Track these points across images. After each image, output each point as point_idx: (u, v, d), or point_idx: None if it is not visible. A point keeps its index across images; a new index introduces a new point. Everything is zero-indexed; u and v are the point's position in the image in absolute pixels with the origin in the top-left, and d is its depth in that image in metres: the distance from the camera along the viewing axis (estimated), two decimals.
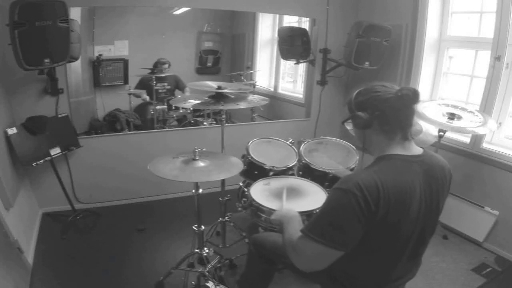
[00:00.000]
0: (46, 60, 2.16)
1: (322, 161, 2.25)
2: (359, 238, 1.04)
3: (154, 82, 3.46)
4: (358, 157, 2.29)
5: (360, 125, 1.13)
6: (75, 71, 3.13)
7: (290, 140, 2.46)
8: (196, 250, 2.04)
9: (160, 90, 3.69)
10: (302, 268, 1.13)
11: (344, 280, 1.25)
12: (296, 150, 2.38)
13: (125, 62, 3.62)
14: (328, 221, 1.04)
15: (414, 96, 1.05)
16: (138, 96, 3.63)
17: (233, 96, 2.22)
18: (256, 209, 1.86)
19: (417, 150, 1.14)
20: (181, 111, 3.68)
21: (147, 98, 3.58)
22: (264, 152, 2.31)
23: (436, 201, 1.14)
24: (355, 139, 1.23)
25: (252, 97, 2.27)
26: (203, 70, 4.09)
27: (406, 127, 1.11)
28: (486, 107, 2.53)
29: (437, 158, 1.18)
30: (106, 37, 3.47)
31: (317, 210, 1.78)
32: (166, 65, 3.65)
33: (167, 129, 3.54)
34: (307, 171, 2.25)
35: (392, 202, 1.02)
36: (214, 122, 3.65)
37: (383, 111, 1.07)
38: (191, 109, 3.68)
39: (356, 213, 1.00)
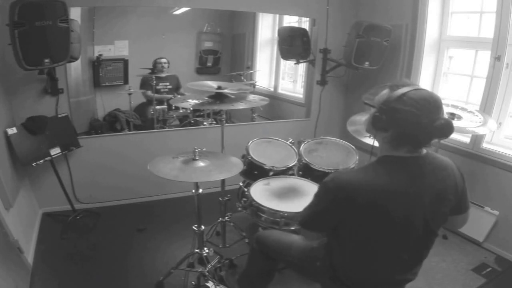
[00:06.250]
0: (46, 60, 2.16)
1: (322, 161, 2.25)
2: (331, 226, 1.19)
3: (155, 82, 3.46)
4: (358, 157, 2.29)
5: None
6: (75, 71, 3.13)
7: (290, 140, 2.46)
8: (196, 250, 2.04)
9: (162, 90, 3.69)
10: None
11: (345, 279, 1.25)
12: (296, 150, 2.38)
13: (125, 62, 3.62)
14: (312, 207, 1.22)
15: (447, 132, 1.02)
16: (148, 96, 3.62)
17: (233, 96, 2.22)
18: (256, 209, 1.87)
19: (419, 151, 1.13)
20: (181, 111, 3.68)
21: (149, 92, 3.56)
22: (264, 152, 2.32)
23: (438, 201, 1.12)
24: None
25: (252, 97, 2.27)
26: (203, 70, 4.09)
27: (419, 146, 1.09)
28: (486, 107, 2.53)
29: (439, 159, 1.16)
30: (106, 37, 3.47)
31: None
32: (164, 59, 3.64)
33: (167, 129, 3.54)
34: (307, 171, 2.25)
35: (371, 201, 1.05)
36: (214, 122, 3.65)
37: (407, 131, 1.04)
38: (191, 109, 3.69)
39: (327, 206, 1.14)
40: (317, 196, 1.19)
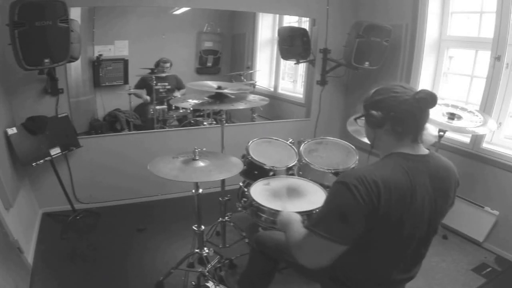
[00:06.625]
0: (46, 60, 2.16)
1: (322, 161, 2.25)
2: (361, 231, 1.03)
3: (155, 82, 3.46)
4: (357, 157, 2.29)
5: (373, 124, 1.13)
6: (75, 71, 3.13)
7: (290, 140, 2.46)
8: (196, 250, 2.04)
9: (160, 90, 3.69)
10: (306, 264, 1.10)
11: (345, 279, 1.25)
12: (296, 150, 2.38)
13: (125, 62, 3.62)
14: (334, 215, 1.04)
15: (431, 100, 1.06)
16: (139, 96, 3.63)
17: (233, 96, 2.22)
18: (256, 209, 1.87)
19: (423, 150, 1.14)
20: (181, 111, 3.68)
21: (148, 98, 3.59)
22: (264, 152, 2.32)
23: (441, 201, 1.14)
24: (366, 136, 1.23)
25: (252, 97, 2.27)
26: (203, 70, 4.10)
27: (418, 130, 1.11)
28: (486, 107, 2.53)
29: (442, 159, 1.18)
30: (106, 37, 3.47)
31: (319, 207, 1.78)
32: (168, 64, 3.65)
33: (167, 129, 3.55)
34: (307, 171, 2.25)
35: (393, 199, 1.02)
36: (214, 122, 3.65)
37: (398, 113, 1.07)
38: (191, 109, 3.69)
39: (360, 205, 0.99)
40: (335, 202, 1.06)
